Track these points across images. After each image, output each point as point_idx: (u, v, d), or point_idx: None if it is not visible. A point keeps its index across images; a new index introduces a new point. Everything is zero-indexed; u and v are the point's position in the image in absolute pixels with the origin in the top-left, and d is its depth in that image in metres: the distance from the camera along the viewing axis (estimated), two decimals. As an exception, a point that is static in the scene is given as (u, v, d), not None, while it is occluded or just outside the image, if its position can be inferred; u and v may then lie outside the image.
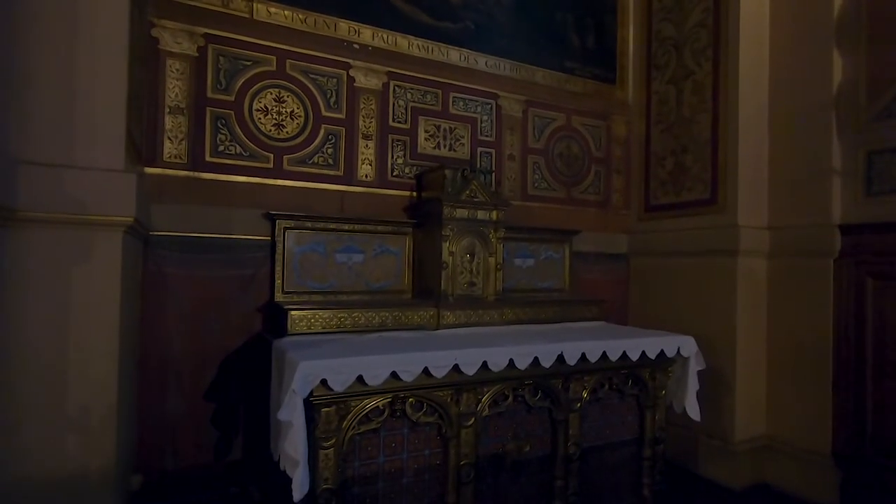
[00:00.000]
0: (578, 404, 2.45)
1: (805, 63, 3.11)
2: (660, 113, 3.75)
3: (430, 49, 3.16)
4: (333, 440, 1.87)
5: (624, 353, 2.49)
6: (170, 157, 2.53)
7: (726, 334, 3.16)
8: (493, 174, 3.18)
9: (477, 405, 2.19)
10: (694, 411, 2.69)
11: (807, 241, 3.04)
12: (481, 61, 3.33)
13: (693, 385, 2.69)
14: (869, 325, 2.81)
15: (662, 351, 2.61)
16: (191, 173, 2.56)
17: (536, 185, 3.55)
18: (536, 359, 2.25)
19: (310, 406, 1.82)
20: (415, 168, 3.11)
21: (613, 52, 3.90)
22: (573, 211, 3.68)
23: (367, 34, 2.99)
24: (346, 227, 2.77)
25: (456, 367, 2.06)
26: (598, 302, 3.24)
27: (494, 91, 3.38)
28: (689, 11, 3.52)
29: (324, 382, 1.81)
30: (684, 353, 2.67)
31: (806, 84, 3.10)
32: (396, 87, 3.08)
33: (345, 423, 1.90)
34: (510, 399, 2.29)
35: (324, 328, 2.38)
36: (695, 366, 2.69)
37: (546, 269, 3.39)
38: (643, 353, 2.54)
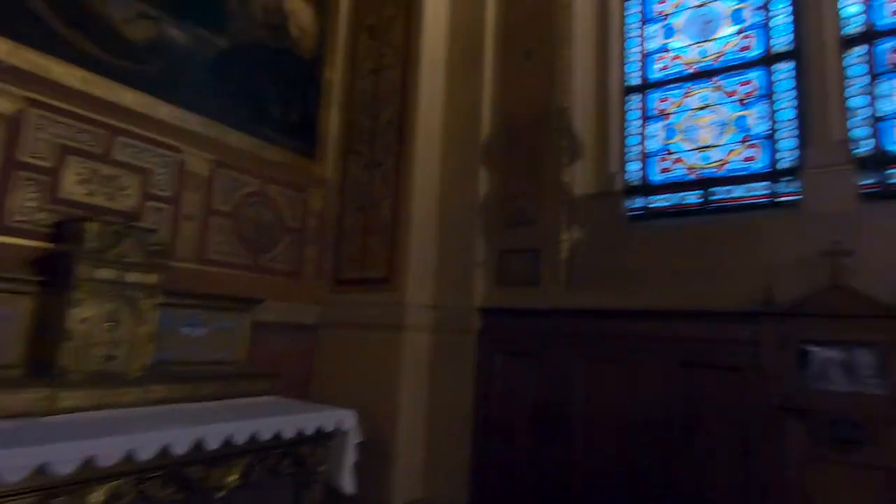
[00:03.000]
0: (223, 493, 2.24)
1: (461, 173, 3.79)
2: (354, 193, 4.03)
3: (95, 83, 2.76)
4: None
5: (278, 432, 2.41)
6: None
7: (391, 404, 3.40)
8: (156, 232, 2.82)
9: (77, 512, 1.79)
10: (348, 485, 2.75)
11: (458, 319, 3.58)
12: (164, 110, 3.05)
13: (350, 458, 2.77)
14: (495, 391, 3.40)
15: (320, 427, 2.62)
16: None
17: (217, 249, 3.32)
18: (167, 446, 1.99)
19: None
20: (55, 214, 2.58)
21: (315, 129, 4.05)
22: (260, 278, 3.56)
23: (3, 48, 2.45)
24: (-80, 280, 2.08)
25: (41, 469, 1.66)
26: (271, 375, 3.12)
27: (177, 144, 3.11)
28: (382, 109, 3.97)
29: None
30: (343, 427, 2.74)
31: (463, 191, 3.76)
32: (41, 118, 2.57)
33: None
34: (131, 496, 1.95)
35: None
36: (353, 439, 2.79)
37: (220, 339, 3.13)
38: (300, 430, 2.52)
